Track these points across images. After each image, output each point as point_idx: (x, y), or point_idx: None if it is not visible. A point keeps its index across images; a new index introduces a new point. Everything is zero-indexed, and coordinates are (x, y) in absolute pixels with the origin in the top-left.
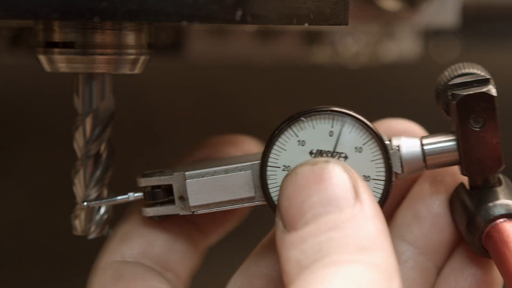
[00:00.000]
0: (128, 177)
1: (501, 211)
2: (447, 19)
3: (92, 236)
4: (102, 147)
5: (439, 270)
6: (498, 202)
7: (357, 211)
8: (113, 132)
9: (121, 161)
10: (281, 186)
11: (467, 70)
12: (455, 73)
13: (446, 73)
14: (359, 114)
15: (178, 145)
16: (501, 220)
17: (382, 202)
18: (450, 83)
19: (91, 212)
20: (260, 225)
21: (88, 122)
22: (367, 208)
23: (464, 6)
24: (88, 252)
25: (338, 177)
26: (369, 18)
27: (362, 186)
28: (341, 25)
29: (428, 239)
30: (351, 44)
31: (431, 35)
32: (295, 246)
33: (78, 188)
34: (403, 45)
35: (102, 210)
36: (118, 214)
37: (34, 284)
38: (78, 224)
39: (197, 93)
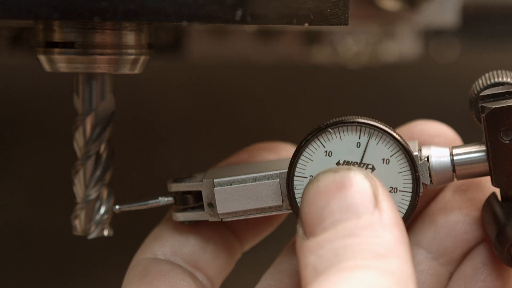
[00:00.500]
0: (129, 177)
1: None
2: (447, 19)
3: (92, 236)
4: (102, 147)
5: (452, 275)
6: None
7: (375, 219)
8: (113, 132)
9: (121, 161)
10: (303, 192)
11: (500, 79)
12: (489, 82)
13: (480, 82)
14: (387, 125)
15: (178, 144)
16: None
17: (408, 214)
18: (482, 94)
19: (91, 212)
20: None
21: (88, 122)
22: (386, 216)
23: (464, 6)
24: (88, 252)
25: (358, 184)
26: (369, 18)
27: (383, 194)
28: (341, 25)
29: (442, 245)
30: (351, 44)
31: (431, 35)
32: (313, 252)
33: (78, 188)
34: (403, 45)
35: (102, 210)
36: (118, 214)
37: (34, 284)
38: (78, 224)
39: (197, 93)
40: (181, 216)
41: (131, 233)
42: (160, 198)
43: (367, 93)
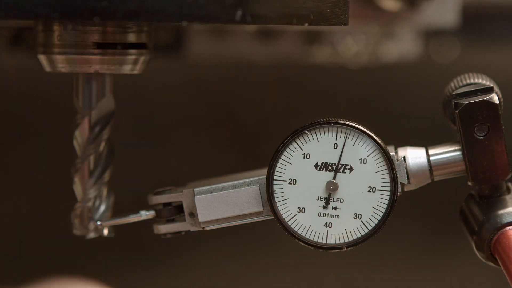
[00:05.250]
0: (128, 176)
1: (509, 219)
2: (447, 19)
3: (91, 235)
4: (102, 146)
5: None
6: (506, 210)
7: None
8: (113, 132)
9: (121, 160)
10: None
11: (472, 80)
12: (460, 84)
13: (452, 84)
14: (363, 125)
15: (177, 144)
16: (509, 227)
17: (387, 213)
18: (454, 93)
19: (91, 210)
20: (258, 228)
21: (88, 121)
22: None
23: (464, 6)
24: (88, 252)
25: None
26: (369, 18)
27: None
28: (341, 25)
29: None
30: (351, 44)
31: (431, 35)
32: None
33: (78, 187)
34: (403, 45)
35: (102, 208)
36: (118, 212)
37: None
38: (78, 223)
39: (197, 93)
40: (162, 229)
41: (131, 233)
42: (141, 212)
43: (367, 93)
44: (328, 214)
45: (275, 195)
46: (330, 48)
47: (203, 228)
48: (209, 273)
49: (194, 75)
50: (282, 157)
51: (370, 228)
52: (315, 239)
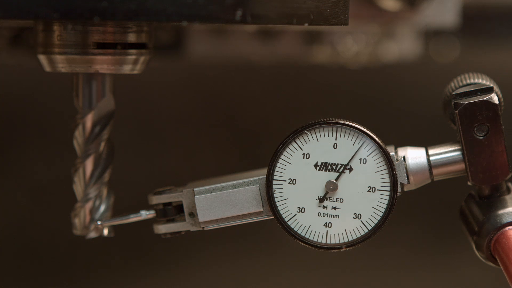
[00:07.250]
0: (128, 176)
1: (509, 218)
2: (447, 19)
3: (91, 235)
4: (102, 146)
5: None
6: (506, 210)
7: None
8: (113, 132)
9: (121, 161)
10: None
11: (472, 80)
12: (461, 84)
13: (452, 84)
14: (363, 125)
15: (177, 144)
16: (509, 227)
17: (387, 213)
18: (454, 93)
19: (91, 210)
20: (258, 228)
21: (88, 120)
22: None
23: (464, 6)
24: (89, 252)
25: None
26: (369, 18)
27: None
28: (341, 25)
29: None
30: (351, 44)
31: (431, 35)
32: None
33: (78, 187)
34: (403, 45)
35: (102, 208)
36: (118, 214)
37: (34, 284)
38: (78, 222)
39: (197, 93)
40: (162, 228)
41: (131, 233)
42: (141, 212)
43: (367, 93)
44: (327, 214)
45: (275, 195)
46: (330, 48)
47: (203, 228)
48: (209, 273)
49: (194, 75)
50: (282, 157)
51: (369, 228)
52: (315, 239)
